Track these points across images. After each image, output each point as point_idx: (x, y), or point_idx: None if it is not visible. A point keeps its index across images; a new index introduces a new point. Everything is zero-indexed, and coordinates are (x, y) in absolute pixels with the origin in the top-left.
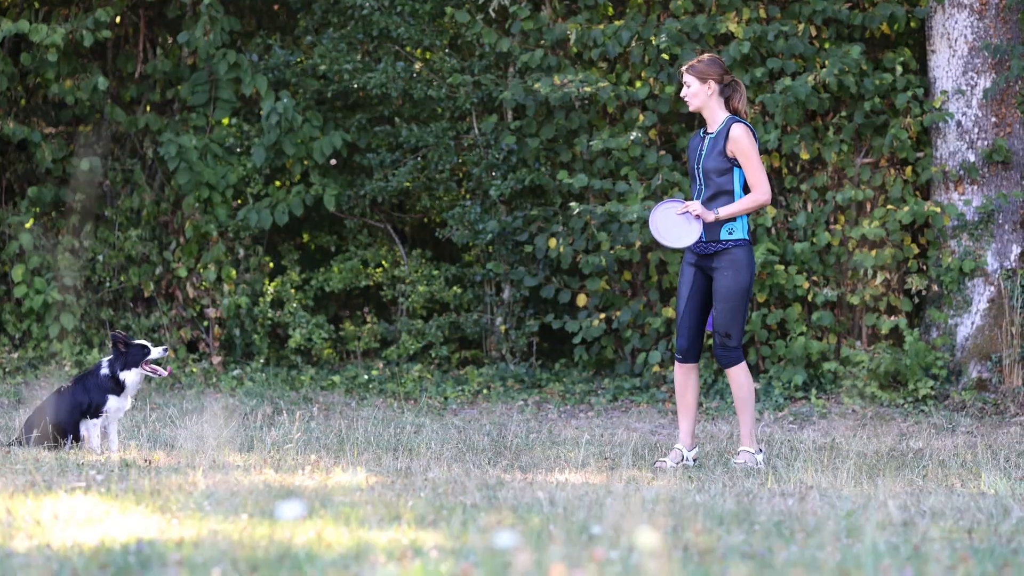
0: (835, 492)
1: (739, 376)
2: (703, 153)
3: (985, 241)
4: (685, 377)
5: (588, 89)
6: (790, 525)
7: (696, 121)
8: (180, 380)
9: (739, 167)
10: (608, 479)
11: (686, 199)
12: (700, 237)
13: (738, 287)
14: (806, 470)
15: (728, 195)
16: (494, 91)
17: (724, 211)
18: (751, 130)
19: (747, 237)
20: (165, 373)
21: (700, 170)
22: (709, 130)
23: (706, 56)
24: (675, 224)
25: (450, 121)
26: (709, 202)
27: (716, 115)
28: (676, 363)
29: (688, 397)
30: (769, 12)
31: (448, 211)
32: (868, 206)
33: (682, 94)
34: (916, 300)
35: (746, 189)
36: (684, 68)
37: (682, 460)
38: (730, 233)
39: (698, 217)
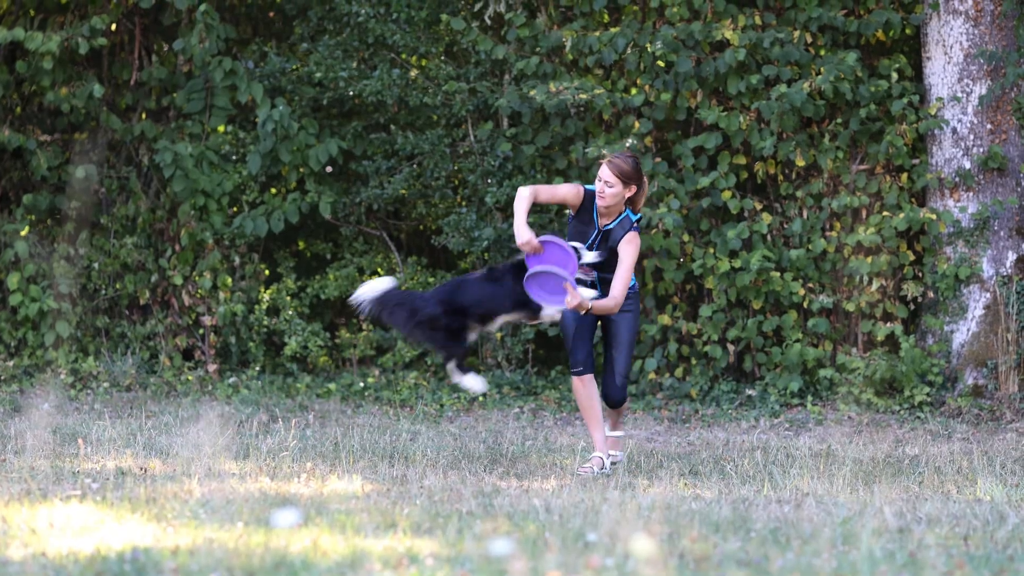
0: (831, 499)
1: (623, 408)
2: (595, 243)
3: (981, 248)
4: (589, 388)
5: (584, 96)
6: (786, 532)
7: (693, 128)
8: (176, 388)
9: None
10: (604, 487)
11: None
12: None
13: (637, 328)
14: (802, 477)
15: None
16: (490, 98)
17: (597, 304)
18: (639, 238)
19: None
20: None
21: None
22: (605, 221)
23: (631, 157)
24: (551, 288)
25: (446, 128)
26: (592, 286)
27: (618, 208)
28: (577, 377)
29: (596, 406)
30: (765, 19)
31: (444, 218)
32: (864, 213)
33: (599, 188)
34: (912, 307)
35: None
36: (607, 164)
37: (603, 468)
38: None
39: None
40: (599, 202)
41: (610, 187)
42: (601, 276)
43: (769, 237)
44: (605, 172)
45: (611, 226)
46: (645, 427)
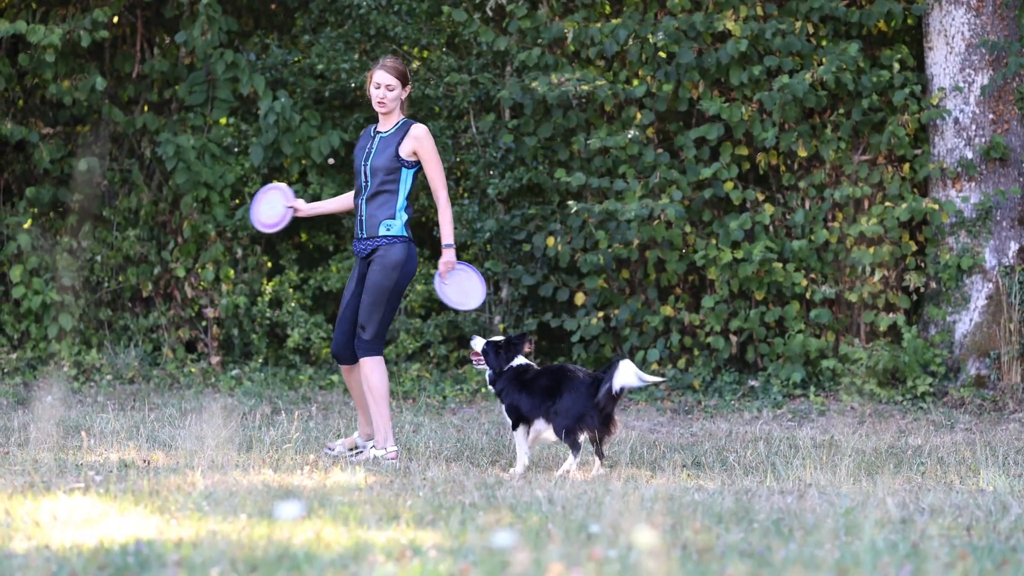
0: (834, 490)
1: (366, 368)
2: (372, 151)
3: (983, 238)
4: (349, 376)
5: (585, 87)
6: (789, 523)
7: (695, 119)
8: (179, 380)
9: (407, 168)
10: (606, 478)
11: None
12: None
13: (383, 284)
14: (805, 468)
15: (392, 195)
16: (492, 90)
17: (447, 238)
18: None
19: (406, 234)
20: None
21: (368, 167)
22: (381, 129)
23: (396, 59)
24: (460, 288)
25: (448, 120)
26: (371, 200)
27: (396, 116)
28: (340, 365)
29: (358, 394)
30: (766, 9)
31: None
32: (866, 203)
33: (381, 96)
34: (914, 297)
35: (412, 193)
36: (382, 68)
37: (356, 449)
38: (387, 229)
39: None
40: (380, 109)
41: (391, 90)
42: (382, 187)
43: (771, 228)
44: (383, 76)
45: (388, 133)
46: (648, 418)
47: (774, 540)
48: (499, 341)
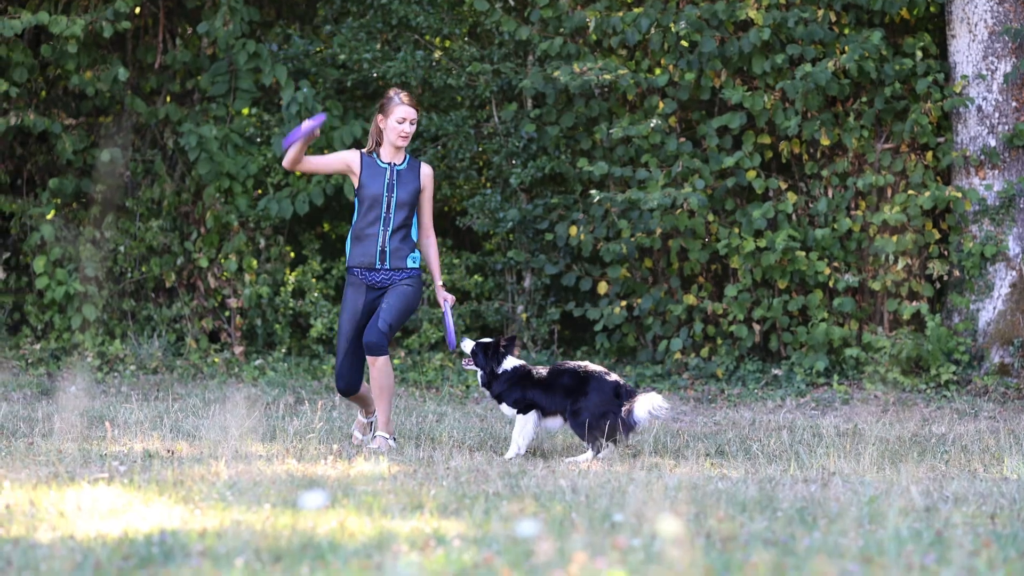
0: (858, 478)
1: (387, 365)
2: (395, 184)
3: (1006, 226)
4: (358, 399)
5: (608, 77)
6: (813, 511)
7: (717, 108)
8: (202, 370)
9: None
10: (630, 467)
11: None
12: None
13: (415, 297)
14: (828, 456)
15: (410, 228)
16: (514, 79)
17: (440, 279)
18: None
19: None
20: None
21: (394, 200)
22: (392, 160)
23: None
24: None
25: (470, 110)
26: (395, 233)
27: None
28: (343, 396)
29: (368, 400)
30: None
31: (469, 199)
32: (889, 192)
33: (404, 132)
34: (938, 285)
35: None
36: (410, 104)
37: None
38: (414, 262)
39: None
40: (402, 144)
41: (413, 124)
42: (406, 221)
43: (794, 216)
44: (410, 112)
45: (403, 166)
46: (671, 407)
47: (798, 528)
48: (489, 343)
